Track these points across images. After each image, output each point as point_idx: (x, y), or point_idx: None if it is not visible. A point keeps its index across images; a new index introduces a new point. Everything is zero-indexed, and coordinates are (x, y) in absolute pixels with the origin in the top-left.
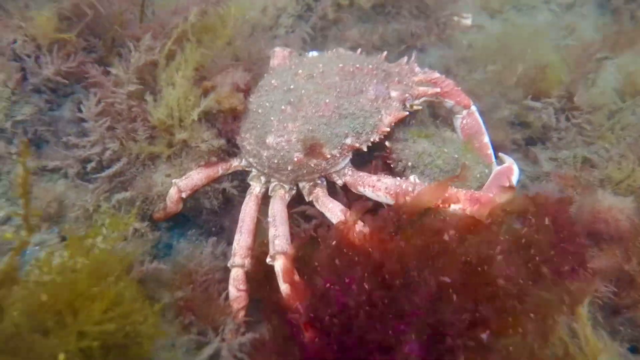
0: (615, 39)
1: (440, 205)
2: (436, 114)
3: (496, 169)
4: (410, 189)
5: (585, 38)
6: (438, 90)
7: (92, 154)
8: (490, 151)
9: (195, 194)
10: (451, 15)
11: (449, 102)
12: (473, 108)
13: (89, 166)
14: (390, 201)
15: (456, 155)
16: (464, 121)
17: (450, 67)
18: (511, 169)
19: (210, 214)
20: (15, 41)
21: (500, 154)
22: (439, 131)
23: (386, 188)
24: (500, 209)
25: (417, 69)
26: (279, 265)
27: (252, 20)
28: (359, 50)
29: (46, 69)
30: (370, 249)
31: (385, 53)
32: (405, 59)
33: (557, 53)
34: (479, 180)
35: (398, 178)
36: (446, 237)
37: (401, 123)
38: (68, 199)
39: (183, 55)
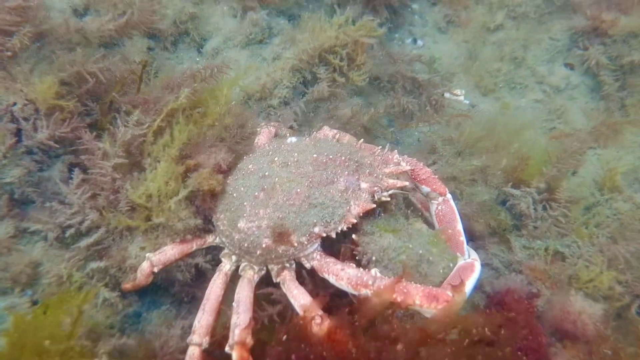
0: (601, 129)
1: (399, 303)
2: (409, 203)
3: (459, 264)
4: (370, 282)
5: (574, 122)
6: (406, 183)
7: (72, 222)
8: (463, 239)
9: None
10: (442, 92)
11: (425, 189)
12: (448, 196)
13: (68, 233)
14: (352, 291)
15: (421, 251)
16: (439, 207)
17: (437, 147)
18: (473, 265)
19: (182, 285)
20: (15, 104)
21: (467, 247)
22: (407, 223)
23: (348, 278)
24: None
25: (395, 156)
26: (236, 356)
27: (246, 89)
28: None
29: (41, 132)
30: (323, 350)
31: (362, 141)
32: (379, 148)
33: (541, 144)
34: (442, 275)
35: (361, 270)
36: (399, 348)
37: (370, 213)
38: (43, 264)
39: (170, 134)
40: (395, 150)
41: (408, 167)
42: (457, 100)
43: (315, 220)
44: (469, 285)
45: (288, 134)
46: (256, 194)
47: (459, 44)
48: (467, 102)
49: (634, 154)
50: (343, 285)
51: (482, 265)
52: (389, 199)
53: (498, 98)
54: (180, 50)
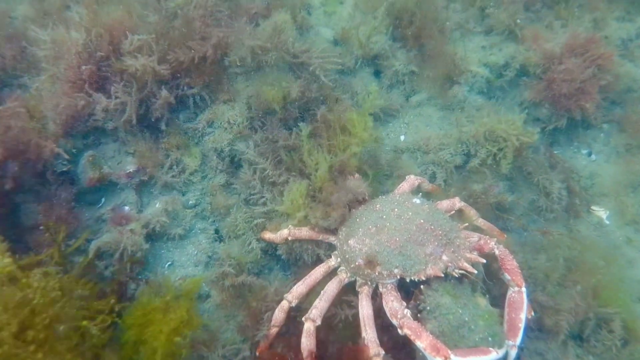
0: None
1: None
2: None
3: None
4: (399, 315)
5: None
6: (475, 272)
7: (254, 197)
8: (521, 326)
9: None
10: (590, 204)
11: (507, 276)
12: (523, 289)
13: (250, 199)
14: (388, 315)
15: (466, 318)
16: (513, 295)
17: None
18: (487, 351)
19: (302, 265)
20: None
21: (522, 335)
22: (471, 295)
23: (390, 307)
24: None
25: (492, 244)
26: (306, 327)
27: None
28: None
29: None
30: None
31: (466, 224)
32: (478, 236)
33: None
34: (476, 342)
35: (400, 307)
36: None
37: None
38: (232, 210)
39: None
40: (494, 241)
41: (483, 261)
42: (598, 217)
43: (397, 264)
44: None
45: (420, 194)
46: (370, 227)
47: (627, 172)
48: (608, 222)
49: None
50: (386, 309)
51: (517, 356)
52: (457, 275)
53: (638, 230)
54: None
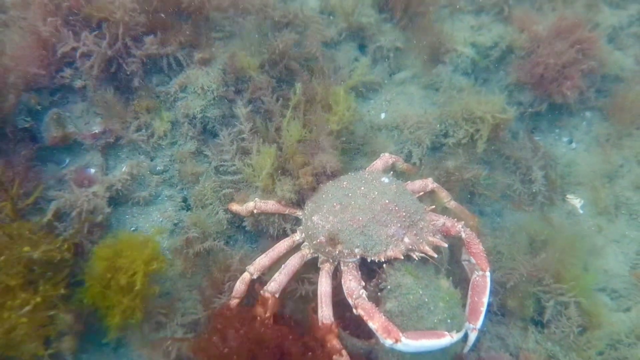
0: None
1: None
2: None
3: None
4: (355, 296)
5: None
6: (436, 255)
7: (225, 164)
8: (483, 310)
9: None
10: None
11: (473, 260)
12: (488, 273)
13: (221, 168)
14: (346, 295)
15: (426, 299)
16: (477, 279)
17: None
18: (442, 335)
19: (267, 237)
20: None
21: (482, 319)
22: (435, 277)
23: (348, 287)
24: None
25: (458, 226)
26: (262, 298)
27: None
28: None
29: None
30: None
31: (432, 207)
32: (444, 218)
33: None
34: (434, 324)
35: (358, 287)
36: None
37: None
38: (202, 178)
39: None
40: (461, 224)
41: (446, 244)
42: (573, 206)
43: (358, 244)
44: (416, 345)
45: (392, 173)
46: (335, 204)
47: (605, 162)
48: (582, 211)
49: None
50: (344, 288)
51: (476, 338)
52: (418, 258)
53: (610, 220)
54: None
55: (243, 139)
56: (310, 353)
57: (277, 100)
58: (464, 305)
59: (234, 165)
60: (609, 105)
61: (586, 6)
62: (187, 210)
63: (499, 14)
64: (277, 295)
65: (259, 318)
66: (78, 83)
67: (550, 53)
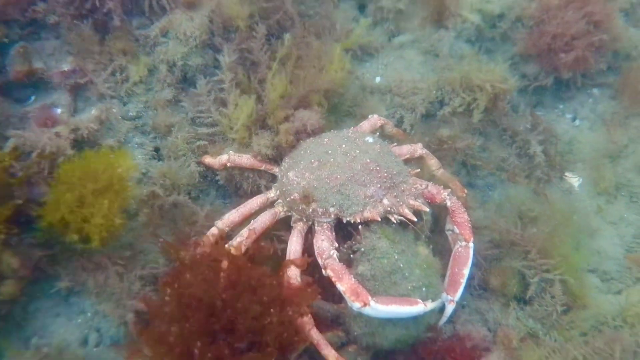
0: None
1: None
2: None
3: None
4: (325, 256)
5: None
6: (415, 219)
7: (201, 115)
8: (462, 281)
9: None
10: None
11: (457, 229)
12: (471, 244)
13: (197, 120)
14: (316, 255)
15: (401, 265)
16: (459, 249)
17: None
18: (415, 302)
19: (242, 194)
20: None
21: (461, 290)
22: (413, 243)
23: (319, 246)
24: None
25: (444, 194)
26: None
27: (380, 84)
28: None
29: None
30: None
31: (417, 170)
32: (428, 184)
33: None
34: (408, 291)
35: (330, 247)
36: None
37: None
38: (175, 128)
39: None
40: (448, 191)
41: (427, 209)
42: (570, 184)
43: (334, 203)
44: (386, 310)
45: (377, 134)
46: (313, 160)
47: (608, 142)
48: (579, 190)
49: None
50: (315, 248)
51: (453, 311)
52: (396, 221)
53: (610, 201)
54: None
55: (222, 89)
56: (271, 310)
57: (266, 52)
58: (443, 276)
59: (210, 116)
60: (619, 83)
61: None
62: (158, 161)
63: None
64: (241, 251)
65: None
66: (51, 19)
67: (560, 23)
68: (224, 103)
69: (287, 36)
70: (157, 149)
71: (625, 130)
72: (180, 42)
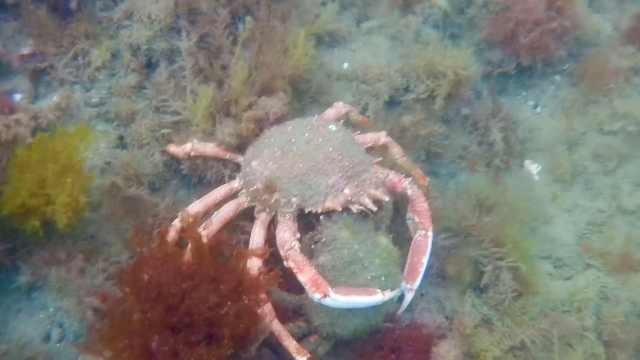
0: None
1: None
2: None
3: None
4: (287, 247)
5: (611, 245)
6: (375, 209)
7: (164, 104)
8: (421, 270)
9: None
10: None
11: (416, 219)
12: (430, 233)
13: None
14: (279, 247)
15: (361, 255)
16: (419, 238)
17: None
18: (374, 292)
19: (207, 184)
20: None
21: (420, 279)
22: (374, 233)
23: (281, 238)
24: None
25: (405, 182)
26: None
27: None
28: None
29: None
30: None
31: (380, 159)
32: (390, 172)
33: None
34: (367, 281)
35: (292, 238)
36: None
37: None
38: (138, 116)
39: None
40: (409, 180)
41: (387, 199)
42: (529, 172)
43: (296, 193)
44: (345, 300)
45: (341, 122)
46: (276, 149)
47: (567, 129)
48: (537, 178)
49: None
50: (277, 239)
51: (412, 299)
52: (356, 211)
53: (566, 188)
54: None
55: (184, 77)
56: (229, 303)
57: (228, 37)
58: (403, 265)
59: (175, 104)
60: (580, 70)
61: None
62: (122, 149)
63: None
64: (204, 240)
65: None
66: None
67: (523, 9)
68: (185, 91)
69: (248, 19)
70: (121, 137)
71: (584, 117)
72: (145, 25)
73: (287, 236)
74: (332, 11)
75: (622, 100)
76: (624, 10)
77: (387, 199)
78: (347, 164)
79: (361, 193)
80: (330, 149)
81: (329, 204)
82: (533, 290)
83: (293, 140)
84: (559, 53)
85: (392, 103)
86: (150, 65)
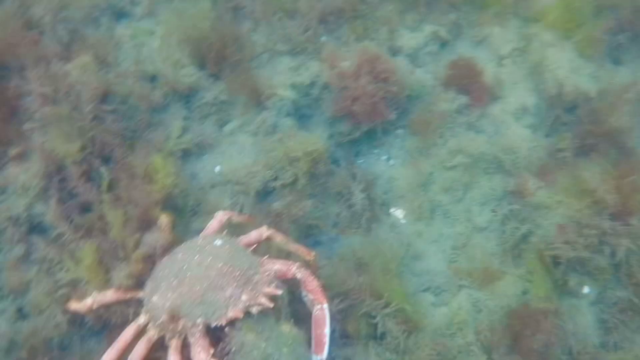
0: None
1: None
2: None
3: None
4: None
5: (475, 259)
6: (272, 304)
7: None
8: (326, 341)
9: None
10: (390, 209)
11: (310, 296)
12: (325, 306)
13: None
14: None
15: (270, 351)
16: (316, 313)
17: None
18: None
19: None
20: None
21: (327, 349)
22: (276, 325)
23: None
24: None
25: (293, 269)
26: None
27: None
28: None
29: None
30: None
31: (266, 256)
32: (277, 266)
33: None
34: None
35: (209, 355)
36: None
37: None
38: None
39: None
40: (296, 265)
41: (281, 291)
42: (396, 218)
43: (200, 314)
44: None
45: (225, 231)
46: (172, 279)
47: (417, 173)
48: (404, 221)
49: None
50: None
51: None
52: (257, 312)
53: (429, 223)
54: None
55: (64, 243)
56: None
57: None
58: (309, 338)
59: (65, 265)
60: (415, 121)
61: (389, 32)
62: (24, 320)
63: (314, 52)
64: None
65: None
66: None
67: (357, 87)
68: (73, 250)
69: (103, 171)
70: (20, 309)
71: (428, 159)
72: (20, 195)
73: (203, 356)
74: (178, 128)
75: (454, 139)
76: (440, 61)
77: (280, 292)
78: (238, 273)
79: (257, 295)
80: (220, 265)
81: (232, 314)
82: (420, 325)
83: (185, 266)
84: (390, 116)
85: (265, 194)
86: (34, 229)
